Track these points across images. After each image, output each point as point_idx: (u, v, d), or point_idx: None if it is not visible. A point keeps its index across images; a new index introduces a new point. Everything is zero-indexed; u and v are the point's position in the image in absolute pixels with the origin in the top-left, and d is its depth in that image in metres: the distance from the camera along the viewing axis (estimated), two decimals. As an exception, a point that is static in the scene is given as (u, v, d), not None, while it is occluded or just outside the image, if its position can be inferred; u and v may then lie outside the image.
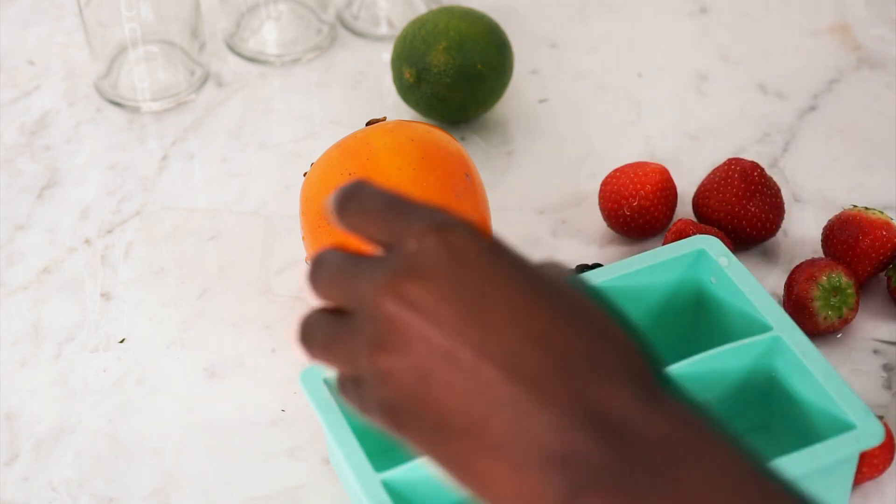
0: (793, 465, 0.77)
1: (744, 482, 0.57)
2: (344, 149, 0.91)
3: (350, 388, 0.63)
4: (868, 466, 0.83)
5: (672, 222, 0.99)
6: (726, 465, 0.58)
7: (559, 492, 0.58)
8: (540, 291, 0.60)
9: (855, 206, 0.95)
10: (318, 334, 0.64)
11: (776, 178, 1.02)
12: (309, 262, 0.65)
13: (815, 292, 0.91)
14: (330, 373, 0.74)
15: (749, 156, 1.04)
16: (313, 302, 0.64)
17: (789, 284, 0.92)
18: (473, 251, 0.61)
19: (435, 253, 0.61)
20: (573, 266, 0.96)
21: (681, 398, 0.59)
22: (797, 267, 0.92)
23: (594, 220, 1.00)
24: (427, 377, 0.60)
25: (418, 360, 0.60)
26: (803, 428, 0.83)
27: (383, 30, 1.15)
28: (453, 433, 0.59)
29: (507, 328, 0.59)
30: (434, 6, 1.14)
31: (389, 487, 0.77)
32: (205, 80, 1.11)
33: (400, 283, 0.61)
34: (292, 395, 0.91)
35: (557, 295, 0.61)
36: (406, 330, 0.60)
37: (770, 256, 0.98)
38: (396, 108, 1.08)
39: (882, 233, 0.93)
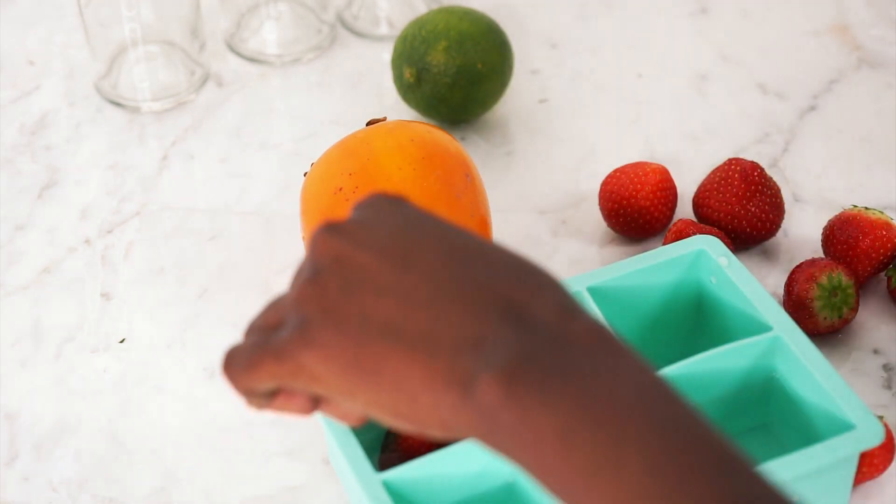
0: (793, 465, 0.77)
1: (653, 383, 0.59)
2: (344, 149, 0.91)
3: (253, 338, 0.65)
4: (868, 466, 0.83)
5: (672, 222, 0.99)
6: (637, 369, 0.59)
7: (469, 369, 0.59)
8: (465, 233, 0.64)
9: (855, 206, 0.95)
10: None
11: (776, 178, 1.02)
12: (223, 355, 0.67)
13: (816, 292, 0.91)
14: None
15: (749, 156, 1.04)
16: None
17: (789, 284, 0.92)
18: (395, 205, 0.66)
19: (361, 209, 0.66)
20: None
21: (593, 317, 0.61)
22: (797, 267, 0.92)
23: (594, 220, 1.00)
24: (351, 288, 0.62)
25: (344, 276, 0.63)
26: (803, 428, 0.83)
27: (383, 30, 1.15)
28: (371, 335, 0.61)
29: (430, 247, 0.63)
30: (434, 6, 1.14)
31: (390, 487, 0.77)
32: (205, 80, 1.11)
33: (331, 229, 0.64)
34: (292, 395, 0.91)
35: (480, 239, 0.65)
36: (335, 255, 0.63)
37: (770, 256, 0.98)
38: (396, 108, 1.08)
39: (882, 233, 0.93)
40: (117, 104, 1.10)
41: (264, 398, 0.66)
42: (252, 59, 1.13)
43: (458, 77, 1.02)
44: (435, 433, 0.62)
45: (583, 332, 0.60)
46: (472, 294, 0.61)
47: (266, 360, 0.64)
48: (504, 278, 0.62)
